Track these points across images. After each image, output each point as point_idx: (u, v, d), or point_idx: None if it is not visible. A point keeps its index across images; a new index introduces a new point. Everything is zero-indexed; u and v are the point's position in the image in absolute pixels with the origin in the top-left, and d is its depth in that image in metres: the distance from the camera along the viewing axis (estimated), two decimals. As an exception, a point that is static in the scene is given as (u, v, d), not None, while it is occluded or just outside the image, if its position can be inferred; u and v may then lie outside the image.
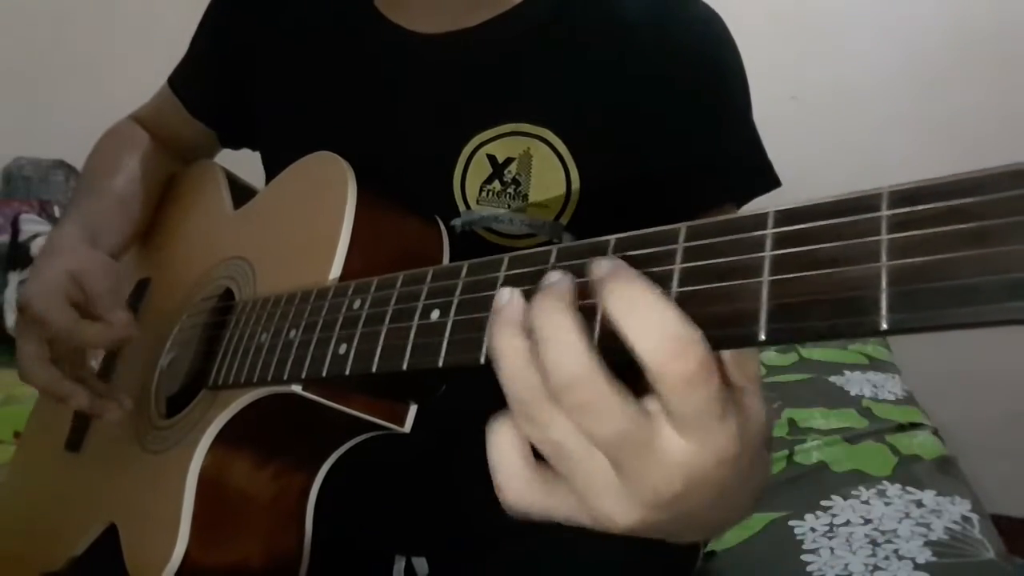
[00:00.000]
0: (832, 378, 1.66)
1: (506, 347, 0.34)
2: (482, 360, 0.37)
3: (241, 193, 0.79)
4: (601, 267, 0.32)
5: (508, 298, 0.34)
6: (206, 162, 0.88)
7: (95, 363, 0.78)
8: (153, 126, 0.90)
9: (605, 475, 0.33)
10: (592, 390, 0.31)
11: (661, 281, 0.32)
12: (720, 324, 0.30)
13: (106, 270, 0.69)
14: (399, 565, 0.74)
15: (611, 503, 0.34)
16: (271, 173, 0.79)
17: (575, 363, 0.31)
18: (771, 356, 1.74)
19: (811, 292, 0.28)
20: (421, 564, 0.74)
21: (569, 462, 0.34)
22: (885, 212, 0.27)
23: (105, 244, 0.75)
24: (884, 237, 0.27)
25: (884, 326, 0.26)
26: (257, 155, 0.84)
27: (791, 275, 0.29)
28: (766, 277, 0.29)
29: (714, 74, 0.68)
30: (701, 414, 0.31)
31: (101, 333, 0.66)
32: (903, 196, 0.27)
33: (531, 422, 0.34)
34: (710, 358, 0.30)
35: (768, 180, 0.70)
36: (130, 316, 0.66)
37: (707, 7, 0.70)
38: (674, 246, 0.32)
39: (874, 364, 1.74)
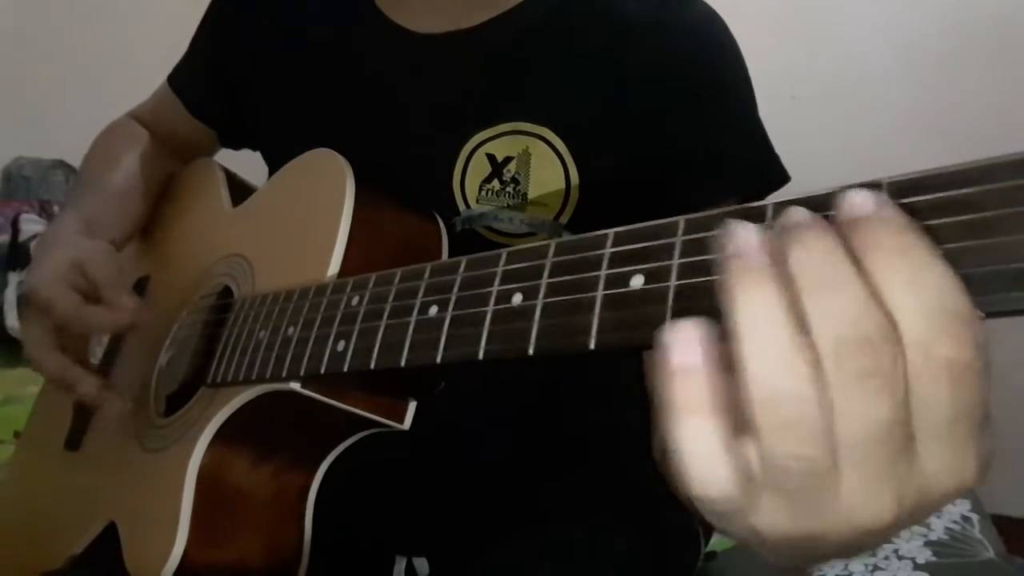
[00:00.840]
0: (832, 378, 1.66)
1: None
2: (481, 355, 0.37)
3: (240, 190, 0.79)
4: (859, 204, 0.25)
5: (752, 233, 0.27)
6: (205, 160, 0.88)
7: (94, 361, 0.78)
8: (152, 124, 0.90)
9: (840, 491, 0.27)
10: (882, 356, 0.24)
11: (658, 276, 0.32)
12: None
13: (108, 258, 0.69)
14: (399, 565, 0.74)
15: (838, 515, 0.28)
16: (273, 172, 0.79)
17: (870, 320, 0.24)
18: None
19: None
20: (421, 564, 0.74)
21: (810, 479, 0.27)
22: None
23: (102, 237, 0.75)
24: None
25: None
26: (257, 153, 0.84)
27: None
28: None
29: (713, 74, 0.68)
30: (965, 419, 0.26)
31: (109, 317, 0.65)
32: (902, 186, 0.27)
33: (793, 433, 0.26)
34: (986, 348, 0.25)
35: (774, 177, 0.69)
36: (138, 300, 0.66)
37: (706, 6, 0.70)
38: (673, 239, 0.32)
39: (874, 364, 1.74)
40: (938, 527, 1.14)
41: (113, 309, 0.65)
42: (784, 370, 0.25)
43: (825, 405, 0.25)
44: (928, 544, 1.09)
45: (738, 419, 0.27)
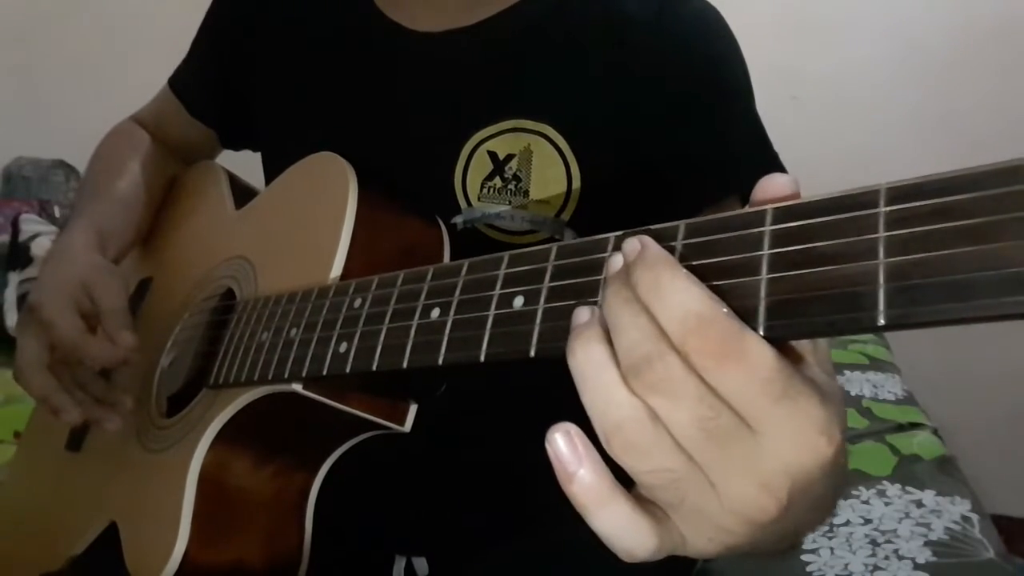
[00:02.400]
0: (832, 378, 1.65)
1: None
2: (482, 358, 0.37)
3: (242, 193, 0.79)
4: (627, 249, 0.31)
5: (584, 309, 0.33)
6: (207, 162, 0.88)
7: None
8: (154, 127, 0.90)
9: (712, 490, 0.30)
10: (656, 369, 0.29)
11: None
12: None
13: (118, 286, 0.69)
14: (399, 565, 0.74)
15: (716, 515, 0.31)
16: (271, 173, 0.80)
17: (645, 342, 0.29)
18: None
19: (809, 289, 0.28)
20: (421, 564, 0.74)
21: (679, 487, 0.30)
22: (883, 208, 0.27)
23: (113, 250, 0.76)
24: (881, 234, 0.27)
25: (882, 322, 0.26)
26: (258, 155, 0.84)
27: (789, 272, 0.29)
28: (764, 275, 0.29)
29: (712, 70, 0.68)
30: (755, 400, 0.28)
31: (104, 351, 0.65)
32: (900, 193, 0.27)
33: (637, 451, 0.30)
34: (737, 334, 0.28)
35: (772, 173, 0.69)
36: (136, 340, 0.66)
37: (706, 3, 0.70)
38: (673, 243, 0.32)
39: (874, 364, 1.74)
40: (938, 527, 1.14)
41: (110, 344, 0.65)
42: (610, 403, 0.30)
43: (650, 414, 0.30)
44: (928, 544, 1.09)
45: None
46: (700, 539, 0.32)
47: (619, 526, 0.31)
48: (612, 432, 0.30)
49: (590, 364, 0.31)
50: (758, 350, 0.28)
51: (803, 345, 0.32)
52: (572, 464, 0.31)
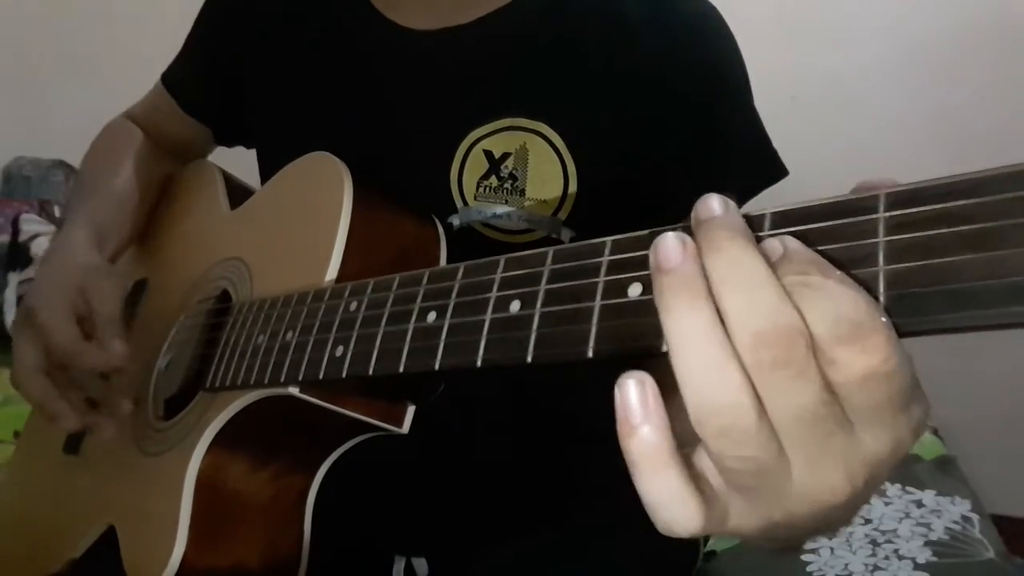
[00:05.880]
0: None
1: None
2: (479, 363, 0.37)
3: (238, 193, 0.79)
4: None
5: (679, 249, 0.28)
6: (203, 161, 0.88)
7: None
8: (147, 123, 0.90)
9: (792, 476, 0.28)
10: (795, 345, 0.26)
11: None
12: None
13: (114, 290, 0.68)
14: (399, 565, 0.74)
15: (790, 504, 0.29)
16: (266, 171, 0.79)
17: (781, 314, 0.26)
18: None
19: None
20: (421, 564, 0.74)
21: (763, 474, 0.28)
22: (883, 214, 0.27)
23: (110, 248, 0.75)
24: (881, 239, 0.26)
25: None
26: (253, 154, 0.84)
27: None
28: None
29: (712, 69, 0.67)
30: (886, 407, 0.27)
31: (98, 359, 0.65)
32: (901, 198, 0.27)
33: (730, 438, 0.27)
34: (895, 352, 0.26)
35: (772, 170, 0.69)
36: (126, 349, 0.65)
37: (704, 1, 0.70)
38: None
39: (874, 364, 1.74)
40: (938, 527, 1.14)
41: (102, 351, 0.65)
42: (715, 382, 0.27)
43: (756, 404, 0.27)
44: (928, 544, 1.09)
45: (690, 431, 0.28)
46: (752, 519, 0.30)
47: (667, 497, 0.28)
48: (709, 414, 0.27)
49: (696, 330, 0.27)
50: (906, 364, 0.26)
51: None
52: (637, 417, 0.27)
